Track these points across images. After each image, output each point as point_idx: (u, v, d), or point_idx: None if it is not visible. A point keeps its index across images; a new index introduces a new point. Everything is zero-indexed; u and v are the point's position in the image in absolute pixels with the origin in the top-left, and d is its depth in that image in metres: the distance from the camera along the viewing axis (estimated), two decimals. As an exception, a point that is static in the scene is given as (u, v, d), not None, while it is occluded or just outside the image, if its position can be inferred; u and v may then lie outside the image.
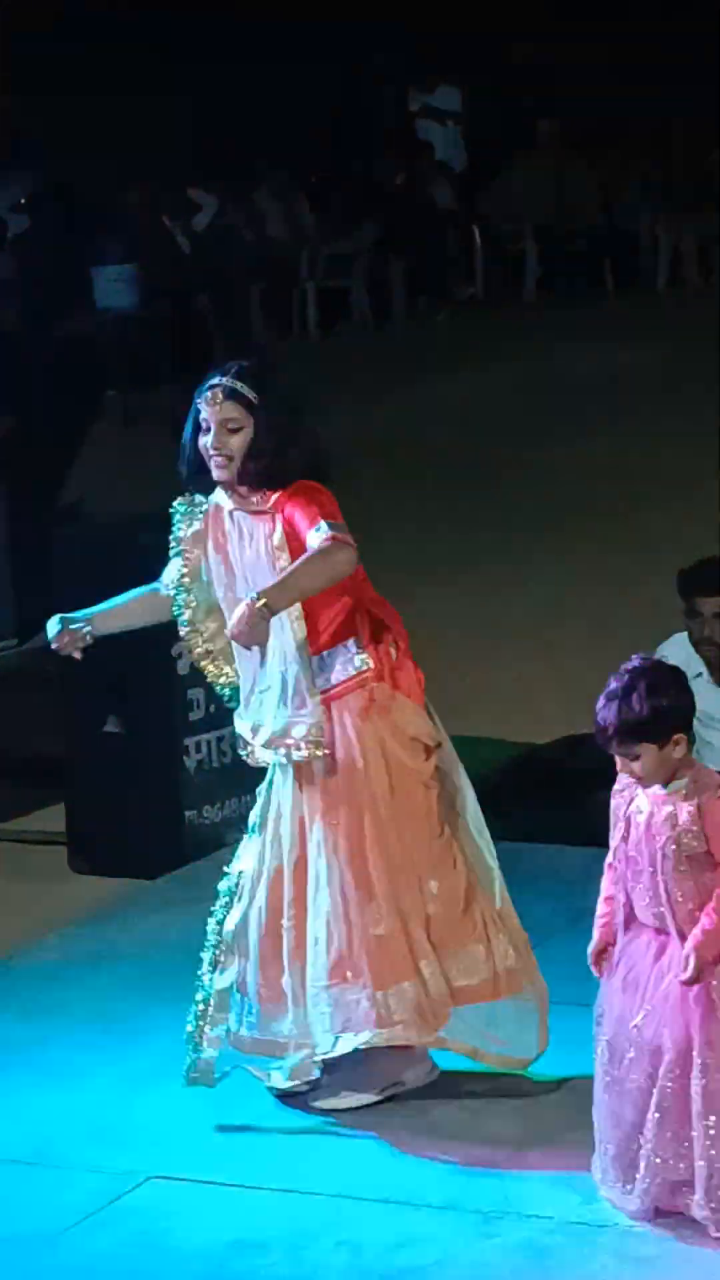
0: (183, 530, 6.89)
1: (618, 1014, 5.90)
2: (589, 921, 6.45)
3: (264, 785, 6.75)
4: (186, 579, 6.88)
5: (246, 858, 6.78)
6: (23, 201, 18.72)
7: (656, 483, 12.73)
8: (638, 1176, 5.84)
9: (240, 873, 6.81)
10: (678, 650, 8.03)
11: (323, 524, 6.47)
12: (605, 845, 6.26)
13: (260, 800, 6.76)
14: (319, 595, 6.57)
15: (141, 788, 8.85)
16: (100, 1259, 5.97)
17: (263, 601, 6.39)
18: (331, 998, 6.70)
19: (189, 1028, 6.68)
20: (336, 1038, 6.74)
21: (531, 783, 9.44)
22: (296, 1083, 6.76)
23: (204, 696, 8.85)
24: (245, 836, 6.79)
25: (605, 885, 6.00)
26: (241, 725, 6.78)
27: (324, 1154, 6.60)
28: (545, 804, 9.17)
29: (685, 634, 8.35)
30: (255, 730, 6.72)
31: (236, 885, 6.79)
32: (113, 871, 8.89)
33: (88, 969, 7.96)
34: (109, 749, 8.93)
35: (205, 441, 6.54)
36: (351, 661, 6.67)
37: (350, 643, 6.66)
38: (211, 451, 6.54)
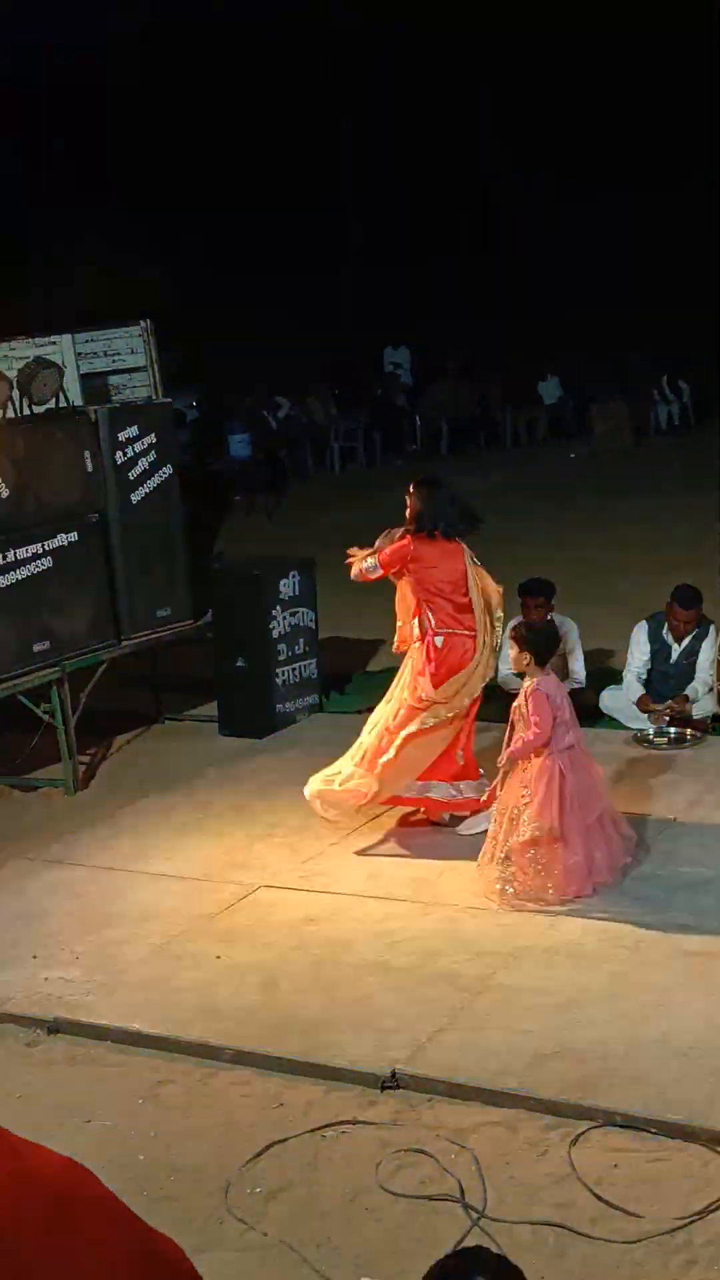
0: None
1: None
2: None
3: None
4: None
5: None
6: (193, 403, 19.77)
7: (513, 546, 13.16)
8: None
9: None
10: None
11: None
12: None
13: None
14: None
15: (254, 692, 9.33)
16: (235, 929, 6.38)
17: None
18: None
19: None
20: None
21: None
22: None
23: (285, 647, 9.36)
24: None
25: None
26: None
27: (351, 873, 6.86)
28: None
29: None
30: None
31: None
32: (241, 734, 9.27)
33: (230, 781, 8.42)
34: (239, 674, 9.37)
35: None
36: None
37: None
38: None
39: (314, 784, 7.11)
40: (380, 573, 7.03)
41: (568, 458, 20.40)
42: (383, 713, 7.14)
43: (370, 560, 7.01)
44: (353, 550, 7.14)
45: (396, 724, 6.99)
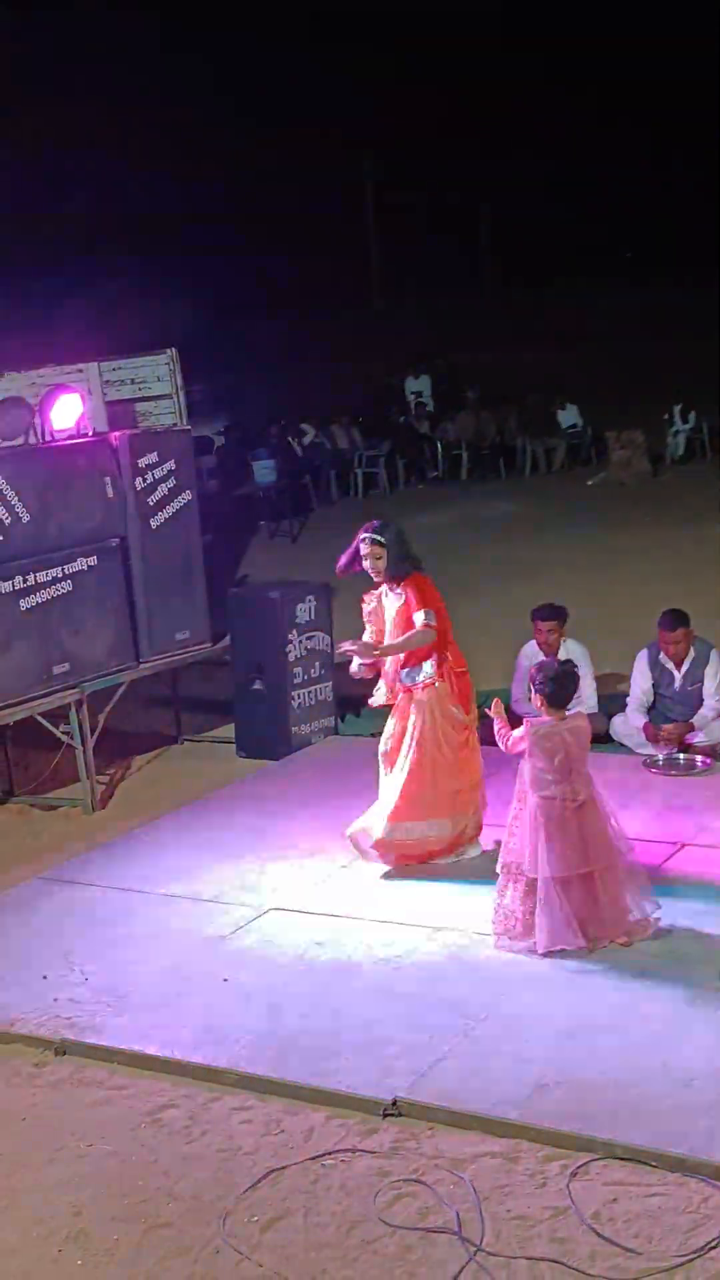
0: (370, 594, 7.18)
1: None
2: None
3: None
4: (370, 615, 7.17)
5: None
6: (221, 430, 19.74)
7: (531, 566, 12.96)
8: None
9: None
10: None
11: (421, 613, 6.87)
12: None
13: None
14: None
15: (270, 715, 9.22)
16: (243, 951, 6.28)
17: (376, 650, 6.96)
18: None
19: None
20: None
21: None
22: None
23: (301, 670, 9.23)
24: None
25: None
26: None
27: (361, 896, 6.74)
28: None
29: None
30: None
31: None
32: (257, 756, 9.18)
33: (245, 802, 8.30)
34: (256, 696, 9.26)
35: (364, 564, 6.97)
36: (423, 671, 6.93)
37: (426, 664, 6.91)
38: (367, 568, 6.98)
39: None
40: (434, 628, 6.83)
41: (585, 485, 20.35)
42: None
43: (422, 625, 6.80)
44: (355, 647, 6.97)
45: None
